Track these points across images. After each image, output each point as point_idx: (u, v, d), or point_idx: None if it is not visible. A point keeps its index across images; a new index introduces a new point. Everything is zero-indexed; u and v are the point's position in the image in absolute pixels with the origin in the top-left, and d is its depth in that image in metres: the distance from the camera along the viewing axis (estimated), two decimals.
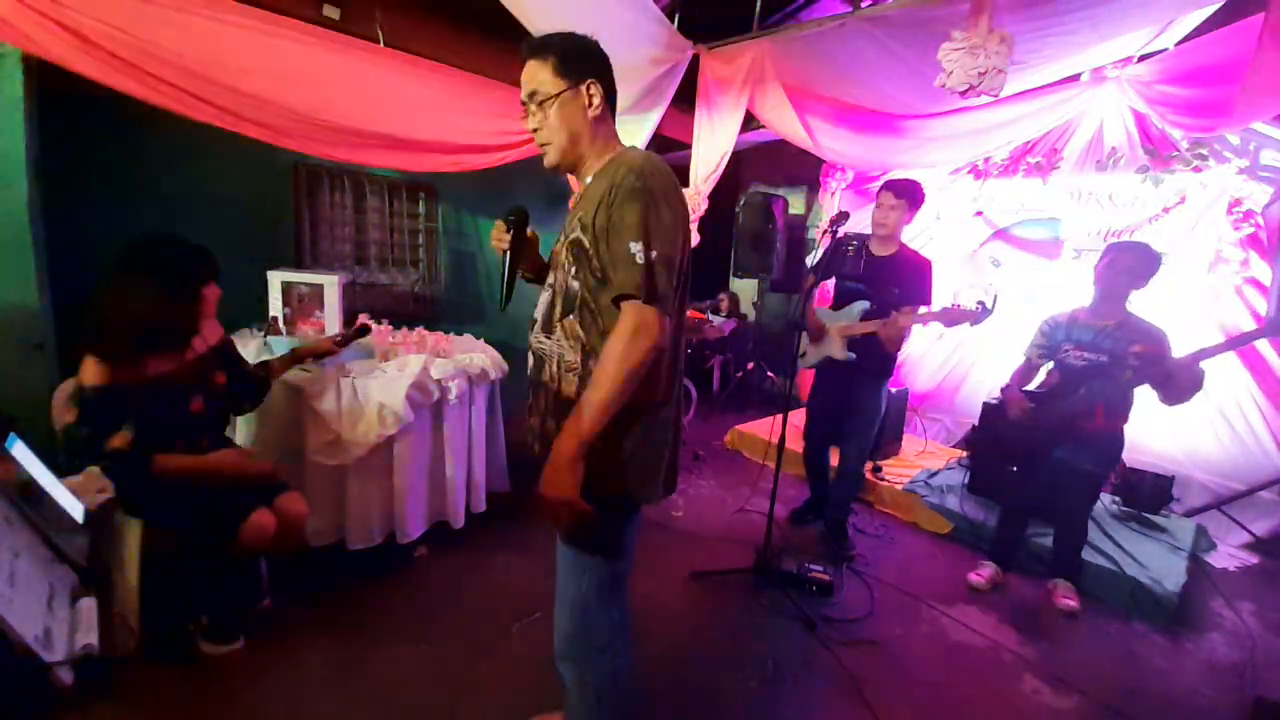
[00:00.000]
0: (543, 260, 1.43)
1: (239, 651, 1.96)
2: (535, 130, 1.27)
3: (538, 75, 1.23)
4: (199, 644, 1.94)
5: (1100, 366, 2.41)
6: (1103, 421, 2.42)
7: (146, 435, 1.59)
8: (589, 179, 1.29)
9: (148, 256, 1.64)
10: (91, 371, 1.53)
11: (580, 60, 1.23)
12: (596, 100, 1.24)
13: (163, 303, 1.61)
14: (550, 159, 1.30)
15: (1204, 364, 2.17)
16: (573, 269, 1.23)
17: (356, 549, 2.40)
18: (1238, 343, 2.15)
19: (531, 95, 1.25)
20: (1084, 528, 2.64)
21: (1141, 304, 3.58)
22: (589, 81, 1.23)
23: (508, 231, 1.33)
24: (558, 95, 1.22)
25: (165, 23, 2.23)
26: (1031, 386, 2.69)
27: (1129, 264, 2.40)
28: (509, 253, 1.34)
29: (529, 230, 1.37)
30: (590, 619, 1.34)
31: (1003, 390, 2.71)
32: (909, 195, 2.65)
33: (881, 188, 2.72)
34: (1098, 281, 2.49)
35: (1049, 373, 2.65)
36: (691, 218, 3.64)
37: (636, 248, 1.11)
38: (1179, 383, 2.21)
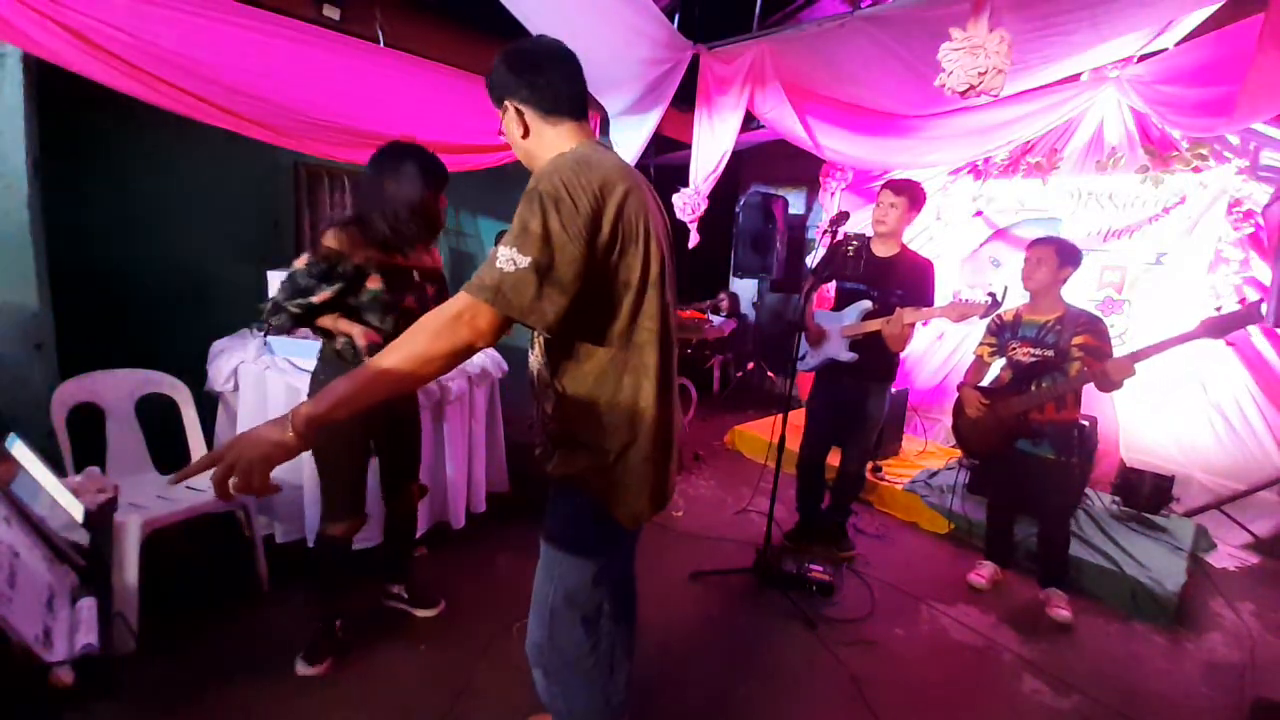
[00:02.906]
0: None
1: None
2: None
3: None
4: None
5: (1048, 361, 2.46)
6: (1054, 413, 2.46)
7: (347, 307, 1.84)
8: None
9: (381, 154, 1.84)
10: (329, 238, 1.79)
11: (499, 81, 1.22)
12: (518, 117, 1.21)
13: (378, 195, 1.80)
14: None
15: (1140, 364, 2.24)
16: None
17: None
18: (1173, 343, 2.21)
19: None
20: (1064, 525, 2.63)
21: (1143, 304, 3.59)
22: (507, 102, 1.21)
23: None
24: (501, 120, 1.25)
25: (165, 23, 2.23)
26: (985, 382, 2.73)
27: (1045, 256, 2.46)
28: None
29: None
30: (558, 629, 1.30)
31: (959, 387, 2.73)
32: (908, 194, 2.64)
33: (882, 186, 2.72)
34: (1026, 282, 2.55)
35: (1002, 369, 2.68)
36: (692, 217, 3.67)
37: (506, 252, 1.02)
38: (1111, 378, 2.28)
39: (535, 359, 1.27)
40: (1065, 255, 2.46)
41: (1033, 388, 2.47)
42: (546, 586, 1.31)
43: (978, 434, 2.66)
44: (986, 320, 2.61)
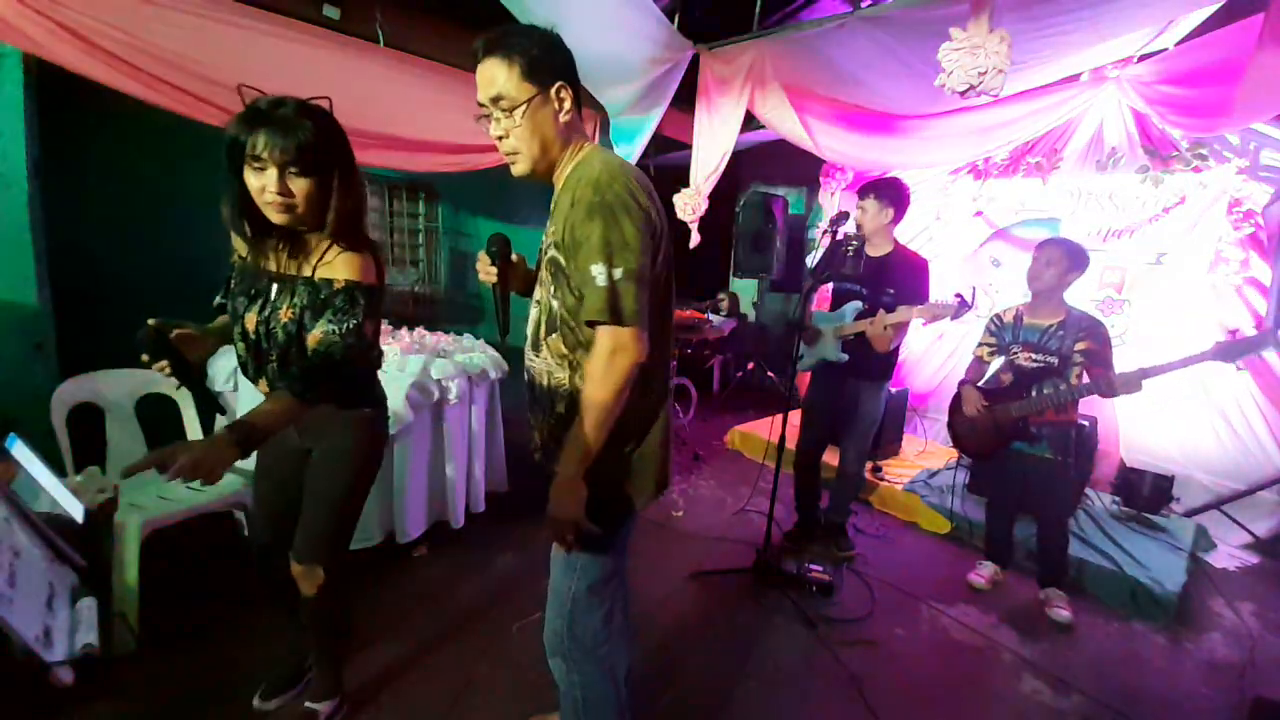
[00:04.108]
0: (530, 272, 1.42)
1: None
2: (500, 138, 1.19)
3: (500, 78, 1.13)
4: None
5: (1050, 368, 2.45)
6: (1052, 416, 2.46)
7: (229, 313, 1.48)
8: (559, 186, 1.25)
9: None
10: (237, 240, 1.46)
11: (550, 61, 1.15)
12: (568, 104, 1.18)
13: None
14: (520, 168, 1.22)
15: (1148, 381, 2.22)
16: (551, 287, 1.22)
17: (356, 549, 2.40)
18: (1184, 364, 2.21)
19: (495, 100, 1.15)
20: (1063, 525, 2.63)
21: (1143, 304, 3.59)
22: (559, 84, 1.16)
23: (492, 265, 1.31)
24: (528, 102, 1.13)
25: (165, 23, 2.23)
26: (984, 380, 2.72)
27: (1055, 258, 2.44)
28: (498, 285, 1.33)
29: (514, 256, 1.35)
30: (579, 618, 1.34)
31: (960, 385, 2.73)
32: (875, 194, 2.64)
33: (861, 193, 2.71)
34: (1032, 283, 2.52)
35: (1001, 370, 2.66)
36: (692, 217, 3.67)
37: (598, 269, 1.09)
38: (1117, 391, 2.27)
39: (545, 361, 1.26)
40: (1074, 259, 2.43)
41: (1033, 393, 2.46)
42: (568, 578, 1.33)
43: (974, 435, 2.66)
44: (961, 319, 2.58)
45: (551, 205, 1.29)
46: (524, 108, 1.14)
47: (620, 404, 1.15)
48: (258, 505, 1.70)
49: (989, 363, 2.71)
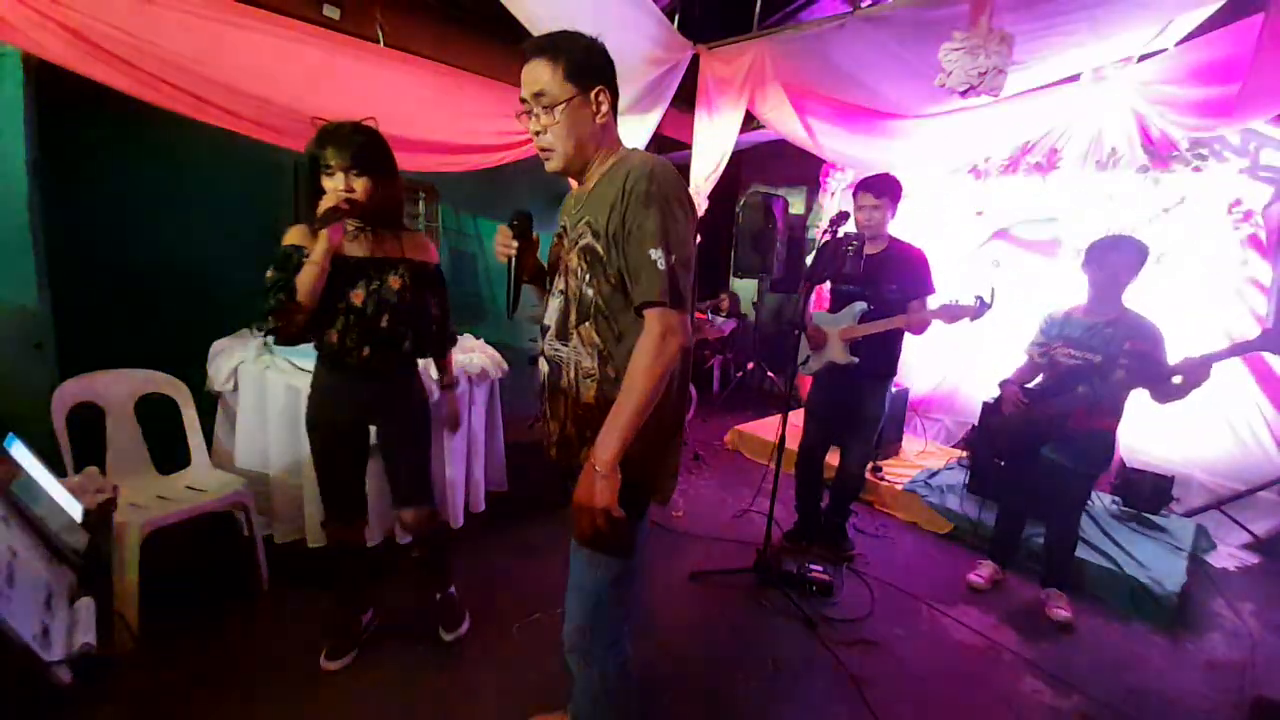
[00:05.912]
0: (540, 263, 1.42)
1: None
2: (538, 134, 1.23)
3: (543, 77, 1.18)
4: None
5: (1090, 366, 2.37)
6: (1088, 422, 2.39)
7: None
8: (591, 182, 1.28)
9: None
10: (290, 233, 1.75)
11: (591, 65, 1.21)
12: (605, 107, 1.23)
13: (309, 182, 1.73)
14: (554, 165, 1.26)
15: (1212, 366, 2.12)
16: (586, 275, 1.22)
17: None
18: (1242, 349, 2.14)
19: (536, 97, 1.20)
20: (1072, 531, 2.59)
21: (1140, 304, 3.58)
22: (599, 88, 1.21)
23: (514, 238, 1.32)
24: (568, 101, 1.18)
25: (165, 23, 2.23)
26: (1033, 384, 2.67)
27: (1116, 260, 2.35)
28: (515, 260, 1.33)
29: (534, 235, 1.36)
30: (601, 613, 1.34)
31: (1001, 384, 2.70)
32: (888, 192, 2.63)
33: (857, 189, 2.69)
34: (1090, 284, 2.45)
35: (1041, 368, 2.62)
36: None
37: (657, 254, 1.13)
38: (1174, 385, 2.17)
39: (575, 351, 1.26)
40: (1137, 259, 2.32)
41: (1070, 392, 2.38)
42: (592, 573, 1.32)
43: (1009, 434, 2.62)
44: (977, 323, 2.55)
45: (573, 199, 1.33)
46: (563, 106, 1.19)
47: (663, 388, 1.16)
48: (327, 485, 1.91)
49: (1040, 363, 2.62)
